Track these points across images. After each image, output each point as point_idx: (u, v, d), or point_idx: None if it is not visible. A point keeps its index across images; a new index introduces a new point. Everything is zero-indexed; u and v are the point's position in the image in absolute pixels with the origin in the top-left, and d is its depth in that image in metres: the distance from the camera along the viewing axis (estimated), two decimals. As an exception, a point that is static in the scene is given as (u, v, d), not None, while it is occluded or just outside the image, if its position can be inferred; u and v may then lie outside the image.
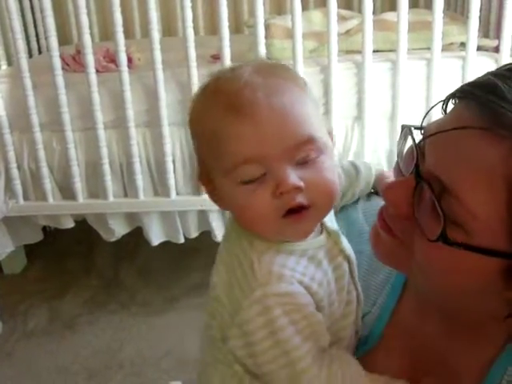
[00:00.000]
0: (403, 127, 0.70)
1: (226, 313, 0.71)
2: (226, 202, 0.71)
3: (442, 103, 0.67)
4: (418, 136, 0.68)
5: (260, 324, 0.66)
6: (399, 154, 0.71)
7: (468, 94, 0.61)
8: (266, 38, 1.99)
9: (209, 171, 0.71)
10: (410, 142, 0.68)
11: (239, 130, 0.64)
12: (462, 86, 0.63)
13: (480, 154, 0.57)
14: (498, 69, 0.63)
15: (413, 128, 0.69)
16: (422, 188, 0.62)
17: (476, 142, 0.57)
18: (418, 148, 0.64)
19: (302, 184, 0.65)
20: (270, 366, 0.67)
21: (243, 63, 0.71)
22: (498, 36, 2.10)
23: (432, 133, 0.63)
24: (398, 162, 0.70)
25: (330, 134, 0.73)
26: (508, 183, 0.55)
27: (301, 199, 0.65)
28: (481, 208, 0.57)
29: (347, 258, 0.77)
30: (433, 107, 0.70)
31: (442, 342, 0.75)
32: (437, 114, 0.67)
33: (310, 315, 0.68)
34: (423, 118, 0.70)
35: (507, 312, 0.64)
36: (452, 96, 0.64)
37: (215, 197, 0.73)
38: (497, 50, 2.08)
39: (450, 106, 0.66)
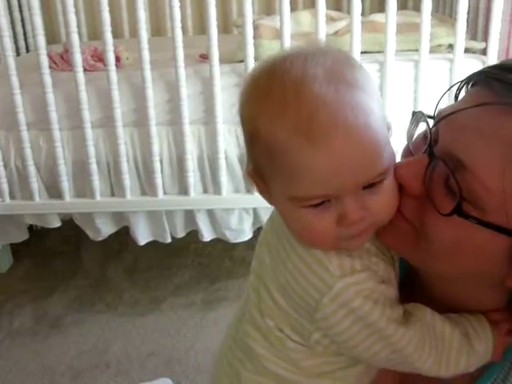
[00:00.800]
0: (414, 113, 0.70)
1: (296, 313, 0.70)
2: (281, 211, 0.67)
3: (457, 88, 0.68)
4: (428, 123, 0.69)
5: (343, 314, 0.65)
6: (409, 137, 0.70)
7: (489, 75, 0.62)
8: (255, 38, 1.99)
9: (264, 175, 0.65)
10: (420, 128, 0.68)
11: (312, 161, 0.58)
12: (481, 71, 0.64)
13: (500, 129, 0.57)
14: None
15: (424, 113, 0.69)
16: (434, 166, 0.62)
17: (497, 117, 0.58)
18: (431, 131, 0.65)
19: (365, 214, 0.62)
20: (369, 347, 0.67)
21: (306, 53, 0.62)
22: (485, 38, 2.11)
23: (448, 113, 0.63)
24: (407, 145, 0.70)
25: (389, 125, 0.68)
26: None
27: (364, 226, 0.63)
28: (496, 183, 0.57)
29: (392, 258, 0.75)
30: (447, 91, 0.71)
31: None
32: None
33: (386, 290, 0.67)
34: (436, 105, 0.70)
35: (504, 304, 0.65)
36: (469, 80, 0.66)
37: (268, 197, 0.68)
38: (484, 52, 2.10)
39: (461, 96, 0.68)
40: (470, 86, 0.66)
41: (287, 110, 0.58)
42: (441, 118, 0.64)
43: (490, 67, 0.64)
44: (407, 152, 0.70)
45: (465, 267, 0.64)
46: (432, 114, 0.69)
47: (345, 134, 0.57)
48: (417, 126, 0.70)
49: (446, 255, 0.63)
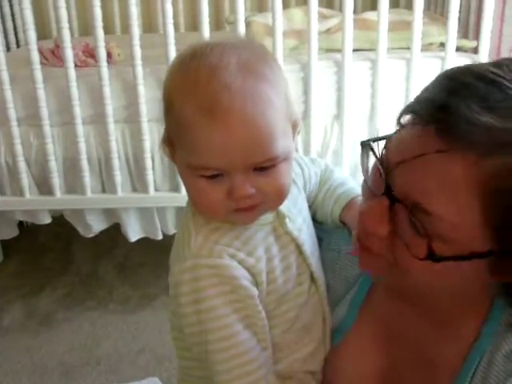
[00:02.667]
0: (363, 144, 0.71)
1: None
2: (182, 178, 0.74)
3: (399, 114, 0.68)
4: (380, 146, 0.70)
5: (187, 291, 0.73)
6: (364, 171, 0.72)
7: (425, 116, 0.62)
8: (247, 35, 1.99)
9: (173, 143, 0.73)
10: (373, 158, 0.69)
11: (209, 137, 0.66)
12: (416, 103, 0.65)
13: (446, 171, 0.59)
14: (448, 78, 0.63)
15: (371, 142, 0.70)
16: (396, 208, 0.64)
17: (440, 162, 0.59)
18: (382, 164, 0.66)
19: (253, 192, 0.69)
20: (187, 329, 0.75)
21: (227, 43, 0.71)
22: (476, 37, 2.12)
23: (397, 161, 0.64)
24: (365, 181, 0.71)
25: (296, 123, 0.75)
26: (478, 192, 0.58)
27: (251, 202, 0.70)
28: (457, 219, 0.59)
29: (295, 242, 0.81)
30: (388, 136, 0.70)
31: (417, 330, 0.77)
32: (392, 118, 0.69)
33: (239, 287, 0.73)
34: (378, 138, 0.71)
35: (484, 296, 0.68)
36: (407, 111, 0.66)
37: (175, 164, 0.75)
38: (475, 50, 2.10)
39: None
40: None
41: (197, 89, 0.66)
42: (394, 162, 0.65)
43: (421, 102, 0.64)
44: (366, 189, 0.71)
45: (445, 287, 0.67)
46: (380, 136, 0.71)
47: (240, 117, 0.65)
48: (368, 157, 0.71)
49: (425, 282, 0.67)
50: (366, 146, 0.70)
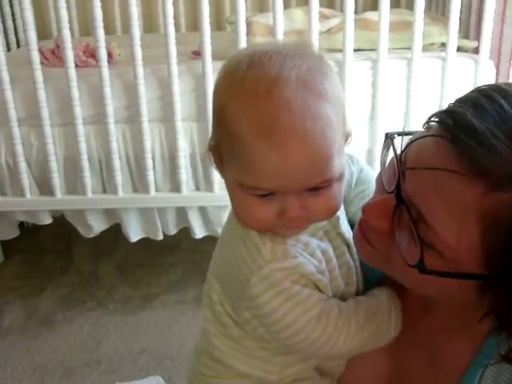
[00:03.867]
0: (386, 136, 0.71)
1: (233, 290, 0.77)
2: (229, 191, 0.72)
3: (428, 118, 0.67)
4: (404, 140, 0.70)
5: (271, 296, 0.71)
6: (382, 164, 0.72)
7: (451, 132, 0.61)
8: (248, 35, 1.99)
9: (222, 155, 0.70)
10: (392, 153, 0.69)
11: (266, 159, 0.63)
12: (447, 115, 0.63)
13: (455, 193, 0.59)
14: (485, 97, 0.62)
15: (396, 136, 0.70)
16: (401, 209, 0.65)
17: (452, 182, 0.60)
18: (400, 163, 0.66)
19: (304, 214, 0.68)
20: (294, 326, 0.72)
21: (286, 52, 0.66)
22: (477, 37, 2.11)
23: (411, 166, 0.65)
24: (380, 174, 0.72)
25: (348, 134, 0.72)
26: (481, 220, 0.59)
27: (300, 223, 0.70)
28: (454, 240, 0.60)
29: (346, 242, 0.79)
30: (413, 133, 0.70)
31: (425, 330, 0.78)
32: (418, 114, 0.68)
33: (316, 280, 0.72)
34: (404, 133, 0.71)
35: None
36: (437, 119, 0.65)
37: (222, 175, 0.73)
38: (476, 51, 2.10)
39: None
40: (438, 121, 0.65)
41: (255, 106, 0.62)
42: (406, 167, 0.65)
43: (447, 117, 0.63)
44: (380, 183, 0.72)
45: (436, 291, 0.68)
46: (406, 131, 0.71)
47: (300, 141, 0.62)
48: (388, 150, 0.71)
49: (416, 285, 0.69)
50: (388, 139, 0.70)
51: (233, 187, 0.70)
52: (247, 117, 0.63)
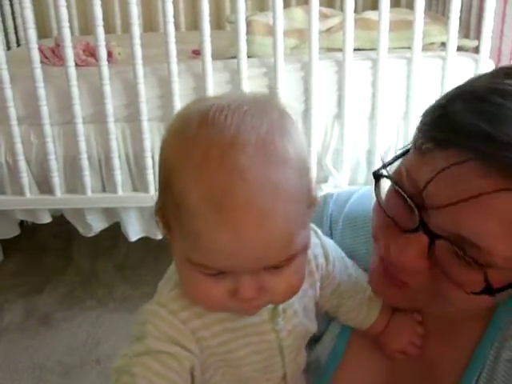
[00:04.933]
0: (375, 176, 0.65)
1: None
2: (177, 265, 0.64)
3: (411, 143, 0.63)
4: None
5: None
6: (382, 204, 0.67)
7: (464, 148, 0.55)
8: (248, 34, 1.99)
9: (169, 222, 0.60)
10: (384, 187, 0.66)
11: (216, 235, 0.53)
12: (441, 130, 0.58)
13: (503, 208, 0.54)
14: (477, 99, 0.57)
15: (385, 173, 0.65)
16: (439, 243, 0.59)
17: (501, 200, 0.54)
18: (412, 199, 0.61)
19: (261, 294, 0.59)
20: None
21: (244, 110, 0.56)
22: (477, 37, 2.11)
23: (444, 204, 0.57)
24: (384, 211, 0.66)
25: (314, 200, 0.62)
26: None
27: (255, 304, 0.61)
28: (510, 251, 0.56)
29: (279, 341, 0.70)
30: (399, 155, 0.66)
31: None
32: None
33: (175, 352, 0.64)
34: (388, 163, 0.66)
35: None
36: (429, 138, 0.59)
37: (169, 242, 0.62)
38: (476, 50, 2.10)
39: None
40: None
41: (206, 172, 0.53)
42: (435, 206, 0.59)
43: (453, 132, 0.56)
44: (392, 226, 0.65)
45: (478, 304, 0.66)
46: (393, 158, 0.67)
47: (257, 220, 0.53)
48: (379, 188, 0.66)
49: (463, 307, 0.66)
50: (379, 176, 0.65)
51: (180, 260, 0.60)
52: (196, 186, 0.53)
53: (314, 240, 0.72)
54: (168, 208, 0.58)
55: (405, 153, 0.66)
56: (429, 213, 0.59)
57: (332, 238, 0.82)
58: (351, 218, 0.85)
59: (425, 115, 0.62)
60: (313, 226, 0.75)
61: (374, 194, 0.67)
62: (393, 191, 0.64)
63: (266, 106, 0.59)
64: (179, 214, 0.55)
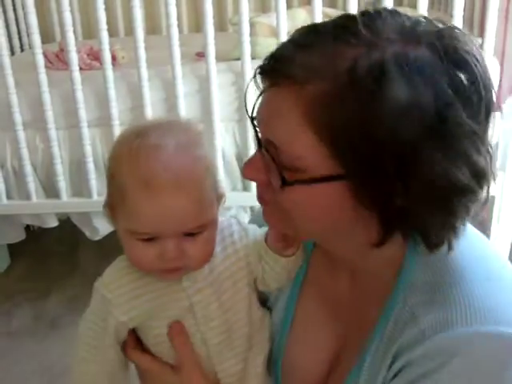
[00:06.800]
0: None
1: None
2: (121, 238, 0.83)
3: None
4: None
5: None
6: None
7: (274, 71, 0.69)
8: (251, 35, 1.99)
9: (114, 208, 0.82)
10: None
11: (145, 207, 0.76)
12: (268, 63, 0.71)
13: (278, 104, 0.68)
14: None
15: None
16: (264, 154, 0.72)
17: (273, 96, 0.69)
18: (254, 127, 0.75)
19: (181, 255, 0.79)
20: None
21: (167, 126, 0.82)
22: (481, 34, 2.11)
23: (256, 116, 0.74)
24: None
25: (220, 195, 0.86)
26: (308, 117, 0.64)
27: (177, 264, 0.80)
28: (300, 149, 0.66)
29: (191, 306, 0.87)
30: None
31: (350, 294, 0.84)
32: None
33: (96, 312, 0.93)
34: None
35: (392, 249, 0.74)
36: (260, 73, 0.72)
37: (115, 226, 0.85)
38: (480, 48, 2.09)
39: None
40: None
41: (138, 163, 0.76)
42: (255, 117, 0.74)
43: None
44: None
45: (324, 224, 0.73)
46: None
47: (173, 192, 0.75)
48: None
49: (304, 218, 0.72)
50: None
51: (123, 234, 0.81)
52: (132, 174, 0.77)
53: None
54: (113, 196, 0.81)
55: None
56: (259, 130, 0.73)
57: None
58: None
59: None
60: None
61: None
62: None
63: (187, 126, 0.84)
64: (121, 195, 0.78)
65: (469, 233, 0.75)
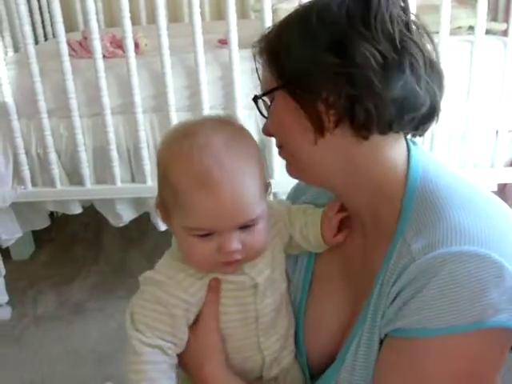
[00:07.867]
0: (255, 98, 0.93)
1: None
2: (177, 237, 0.88)
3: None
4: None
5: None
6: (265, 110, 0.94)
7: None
8: (273, 22, 1.98)
9: (167, 208, 0.86)
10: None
11: (203, 204, 0.79)
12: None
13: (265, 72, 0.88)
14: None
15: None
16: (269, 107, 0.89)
17: (264, 68, 0.89)
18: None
19: (239, 247, 0.83)
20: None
21: (212, 124, 0.87)
22: (506, 19, 2.08)
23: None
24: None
25: (267, 186, 0.90)
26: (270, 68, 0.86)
27: (237, 256, 0.84)
28: (268, 83, 0.87)
29: (256, 286, 0.91)
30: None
31: (362, 248, 0.92)
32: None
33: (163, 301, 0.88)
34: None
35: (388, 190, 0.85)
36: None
37: (168, 225, 0.89)
38: (505, 33, 2.07)
39: None
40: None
41: (192, 162, 0.80)
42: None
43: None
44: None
45: (293, 133, 0.86)
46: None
47: (228, 189, 0.79)
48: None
49: (286, 136, 0.89)
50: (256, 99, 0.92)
51: (179, 233, 0.85)
52: (186, 172, 0.80)
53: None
54: (167, 197, 0.85)
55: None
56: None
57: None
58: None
59: None
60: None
61: None
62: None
63: (229, 122, 0.89)
64: (175, 195, 0.82)
65: (450, 170, 0.88)
